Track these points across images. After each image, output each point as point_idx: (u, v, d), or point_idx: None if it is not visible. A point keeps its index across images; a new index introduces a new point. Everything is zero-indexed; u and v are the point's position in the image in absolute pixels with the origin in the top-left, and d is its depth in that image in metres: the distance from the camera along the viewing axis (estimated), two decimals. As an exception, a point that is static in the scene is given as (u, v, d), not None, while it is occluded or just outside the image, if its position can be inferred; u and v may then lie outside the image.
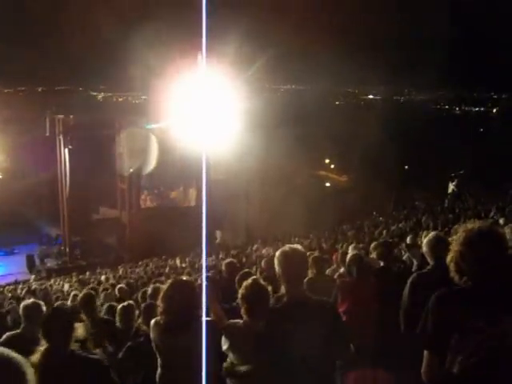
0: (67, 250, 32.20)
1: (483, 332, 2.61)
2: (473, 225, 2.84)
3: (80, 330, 4.14)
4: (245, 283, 4.18)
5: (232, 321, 4.25)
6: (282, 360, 3.25)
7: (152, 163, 30.23)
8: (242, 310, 4.11)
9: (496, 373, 2.60)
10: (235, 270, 6.85)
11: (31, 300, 5.38)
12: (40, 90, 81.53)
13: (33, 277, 27.28)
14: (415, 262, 7.38)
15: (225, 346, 4.20)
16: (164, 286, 4.33)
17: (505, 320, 2.62)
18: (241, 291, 4.12)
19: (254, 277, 4.57)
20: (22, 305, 5.19)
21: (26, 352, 2.04)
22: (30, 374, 1.89)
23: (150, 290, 6.91)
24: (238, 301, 4.23)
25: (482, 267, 2.72)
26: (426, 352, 2.82)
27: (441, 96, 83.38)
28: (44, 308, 5.06)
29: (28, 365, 1.91)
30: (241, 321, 4.19)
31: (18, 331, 4.96)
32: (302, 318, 3.29)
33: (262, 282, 4.25)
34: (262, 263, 8.00)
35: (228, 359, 4.25)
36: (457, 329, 2.67)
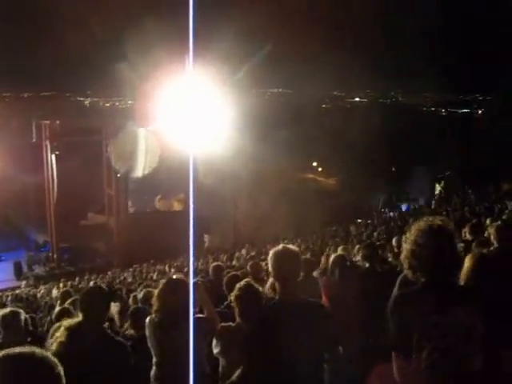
0: (55, 256, 32.01)
1: (441, 327, 2.70)
2: (424, 222, 2.91)
3: (114, 308, 4.32)
4: (238, 285, 4.21)
5: (224, 324, 4.27)
6: (272, 359, 3.27)
7: (140, 168, 30.12)
8: (236, 312, 4.14)
9: (457, 365, 2.70)
10: (222, 273, 6.87)
11: (8, 309, 5.35)
12: (26, 95, 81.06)
13: (23, 283, 27.16)
14: (400, 266, 7.44)
15: (216, 349, 4.22)
16: (155, 290, 4.36)
17: (459, 313, 2.72)
18: (234, 293, 4.15)
19: (247, 279, 4.60)
20: None
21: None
22: (61, 371, 1.95)
23: (140, 294, 6.89)
24: (232, 303, 4.26)
25: (432, 264, 2.80)
26: (393, 353, 2.87)
27: (427, 98, 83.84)
28: (23, 316, 5.05)
29: (58, 363, 1.96)
30: (233, 324, 4.21)
31: None
32: (293, 317, 3.31)
33: (254, 283, 4.28)
34: (248, 267, 8.00)
35: (220, 364, 4.27)
36: (417, 327, 2.74)
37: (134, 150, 30.08)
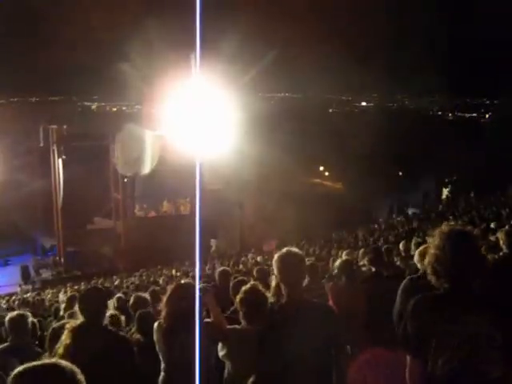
0: (62, 260, 32.08)
1: (461, 335, 2.67)
2: (447, 228, 2.89)
3: (111, 305, 4.48)
4: (244, 288, 4.23)
5: (230, 327, 4.28)
6: (282, 361, 3.28)
7: (146, 171, 30.10)
8: (241, 315, 4.14)
9: (474, 373, 2.67)
10: (229, 278, 6.85)
11: (16, 312, 5.40)
12: (33, 100, 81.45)
13: (30, 287, 27.24)
14: (407, 270, 7.44)
15: (222, 352, 4.21)
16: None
17: (479, 321, 2.69)
18: (239, 296, 4.17)
19: (253, 282, 4.61)
20: (7, 317, 5.18)
21: (16, 362, 2.09)
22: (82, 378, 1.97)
23: (131, 299, 6.85)
24: (236, 306, 4.27)
25: (458, 269, 2.77)
26: (408, 356, 2.85)
27: (433, 102, 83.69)
28: (30, 319, 5.10)
29: (79, 371, 1.98)
30: (238, 326, 4.21)
31: (7, 344, 4.96)
32: (301, 319, 3.33)
33: (260, 287, 4.29)
34: (254, 272, 8.00)
35: (226, 368, 4.27)
36: (436, 333, 2.72)
37: (141, 154, 30.07)
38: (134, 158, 30.00)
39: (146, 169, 29.52)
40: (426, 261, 2.93)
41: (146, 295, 7.13)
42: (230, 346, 4.17)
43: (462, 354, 2.66)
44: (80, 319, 4.05)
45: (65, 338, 3.88)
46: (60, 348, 3.83)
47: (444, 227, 2.91)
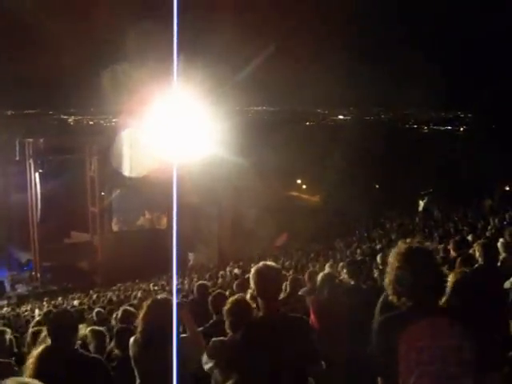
0: (38, 275, 31.68)
1: (429, 350, 2.65)
2: (403, 246, 2.87)
3: (83, 330, 4.34)
4: (231, 298, 4.26)
5: (216, 338, 4.28)
6: (256, 374, 3.27)
7: (124, 185, 29.96)
8: (227, 325, 4.15)
9: None
10: (207, 292, 6.84)
11: None
12: (9, 113, 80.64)
13: (5, 302, 26.88)
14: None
15: (208, 365, 4.21)
16: (135, 309, 4.36)
17: (447, 334, 2.68)
18: (226, 306, 4.18)
19: (239, 294, 4.66)
20: None
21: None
22: None
23: (119, 313, 6.82)
24: (223, 316, 4.28)
25: (419, 286, 2.76)
26: (379, 378, 2.83)
27: (409, 115, 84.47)
28: (8, 336, 5.00)
29: None
30: (224, 338, 4.22)
31: None
32: (277, 332, 3.33)
33: (246, 298, 4.35)
34: (234, 286, 8.00)
35: (212, 380, 4.26)
36: (404, 351, 2.68)
37: (118, 167, 29.90)
38: (111, 176, 29.92)
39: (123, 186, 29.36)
40: (386, 280, 2.91)
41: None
42: (217, 358, 4.17)
43: (433, 368, 2.64)
44: (47, 343, 3.96)
45: (30, 364, 3.78)
46: (27, 372, 3.74)
47: (400, 246, 2.89)
